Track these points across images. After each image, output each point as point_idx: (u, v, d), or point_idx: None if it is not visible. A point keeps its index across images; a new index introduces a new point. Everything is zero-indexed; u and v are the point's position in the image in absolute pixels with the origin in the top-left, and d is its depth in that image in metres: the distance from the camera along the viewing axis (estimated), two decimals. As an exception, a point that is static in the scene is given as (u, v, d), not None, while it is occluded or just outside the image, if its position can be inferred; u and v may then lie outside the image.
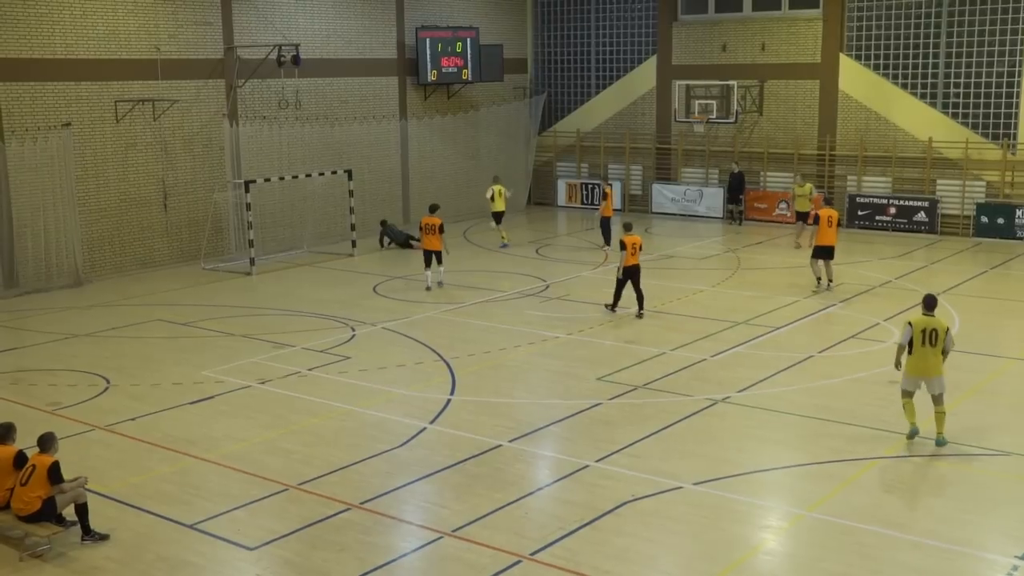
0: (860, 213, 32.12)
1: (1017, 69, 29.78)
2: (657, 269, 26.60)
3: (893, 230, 31.47)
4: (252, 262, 26.59)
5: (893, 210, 31.57)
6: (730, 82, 33.05)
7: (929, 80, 31.17)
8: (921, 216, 31.22)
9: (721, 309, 21.82)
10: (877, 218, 31.81)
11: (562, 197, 37.37)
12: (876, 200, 31.87)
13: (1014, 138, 29.97)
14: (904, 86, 31.54)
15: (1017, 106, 29.93)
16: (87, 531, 11.36)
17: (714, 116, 33.35)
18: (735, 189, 33.83)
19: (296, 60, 28.40)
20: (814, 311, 21.50)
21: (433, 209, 24.61)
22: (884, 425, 14.64)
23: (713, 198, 34.78)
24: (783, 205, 33.44)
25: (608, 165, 37.36)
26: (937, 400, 13.86)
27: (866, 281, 24.47)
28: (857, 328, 20.06)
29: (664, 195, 35.80)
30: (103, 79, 25.83)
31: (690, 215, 35.08)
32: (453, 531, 11.50)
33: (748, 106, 33.74)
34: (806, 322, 20.76)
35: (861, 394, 16.09)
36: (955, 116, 30.83)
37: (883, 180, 32.05)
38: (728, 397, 16.03)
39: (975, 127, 30.55)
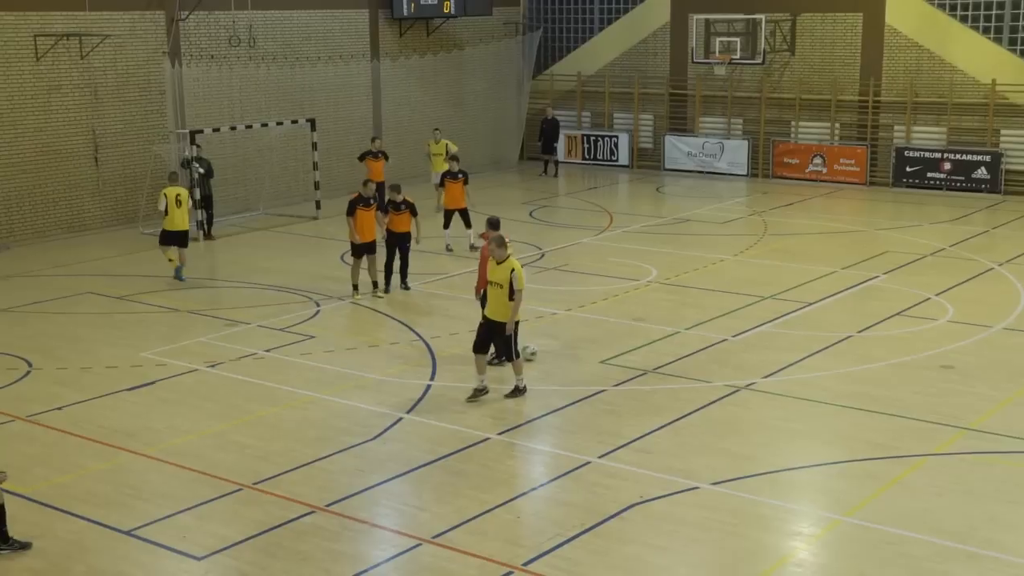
0: (909, 170, 32.13)
1: (1093, 1, 29.80)
2: (671, 235, 26.65)
3: (948, 189, 31.49)
4: (200, 226, 26.52)
5: (948, 166, 31.59)
6: (757, 16, 32.99)
7: (993, 11, 31.11)
8: (981, 173, 31.24)
9: (744, 281, 21.85)
10: (929, 175, 31.83)
11: (561, 151, 37.31)
12: (928, 154, 31.88)
13: (1089, 82, 30.02)
14: (963, 19, 31.50)
15: (1093, 45, 29.99)
16: (5, 539, 11.32)
17: (738, 56, 33.30)
18: (549, 137, 35.44)
19: (249, -12, 28.27)
20: (853, 284, 21.55)
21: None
22: (935, 417, 14.69)
23: (736, 152, 34.78)
24: (817, 160, 33.46)
25: (614, 114, 37.32)
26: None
27: (915, 249, 24.52)
28: (904, 304, 20.11)
29: (679, 149, 35.78)
30: (19, 9, 25.64)
31: (709, 172, 35.07)
32: (434, 537, 11.53)
33: (778, 44, 33.67)
34: (844, 296, 20.80)
35: (908, 380, 16.13)
36: None
37: (937, 131, 32.04)
38: (752, 383, 16.08)
39: (1046, 68, 30.59)
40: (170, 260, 22.64)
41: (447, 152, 29.04)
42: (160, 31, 28.13)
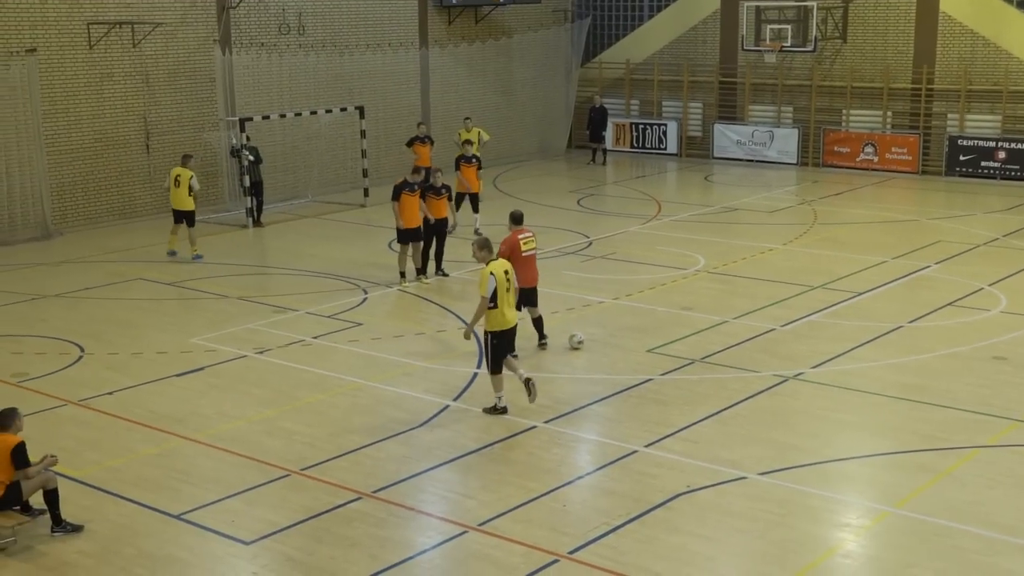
0: (962, 159, 31.79)
1: None
2: (719, 224, 26.51)
3: (1002, 178, 31.13)
4: (249, 213, 26.70)
5: (1002, 155, 31.22)
6: (808, 3, 32.68)
7: (1048, -1, 30.68)
8: (1036, 162, 30.89)
9: (793, 271, 21.71)
10: (983, 164, 31.47)
11: (609, 139, 37.18)
12: (982, 143, 31.51)
13: None
14: (1020, 4, 31.05)
15: None
16: (58, 522, 11.48)
17: (788, 44, 33.02)
18: (597, 125, 35.40)
19: (299, -23, 28.40)
20: (904, 274, 21.36)
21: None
22: (987, 408, 14.54)
23: (786, 140, 34.56)
24: (869, 149, 33.17)
25: (662, 102, 37.16)
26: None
27: (968, 239, 24.26)
28: (956, 294, 19.91)
29: (728, 137, 35.60)
30: (74, -2, 25.95)
31: (758, 160, 34.87)
32: (480, 525, 11.56)
33: (829, 31, 33.37)
34: (895, 286, 20.62)
35: (959, 372, 15.98)
36: (1078, 43, 30.40)
37: (991, 119, 31.66)
38: (801, 374, 15.98)
39: (1102, 55, 30.13)
40: (169, 242, 23.61)
41: (479, 140, 29.10)
42: (211, 19, 28.30)
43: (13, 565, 10.98)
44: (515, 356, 14.92)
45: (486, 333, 14.55)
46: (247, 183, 26.46)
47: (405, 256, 21.00)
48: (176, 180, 23.03)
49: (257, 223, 26.76)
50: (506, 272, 14.52)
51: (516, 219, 16.91)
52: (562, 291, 20.30)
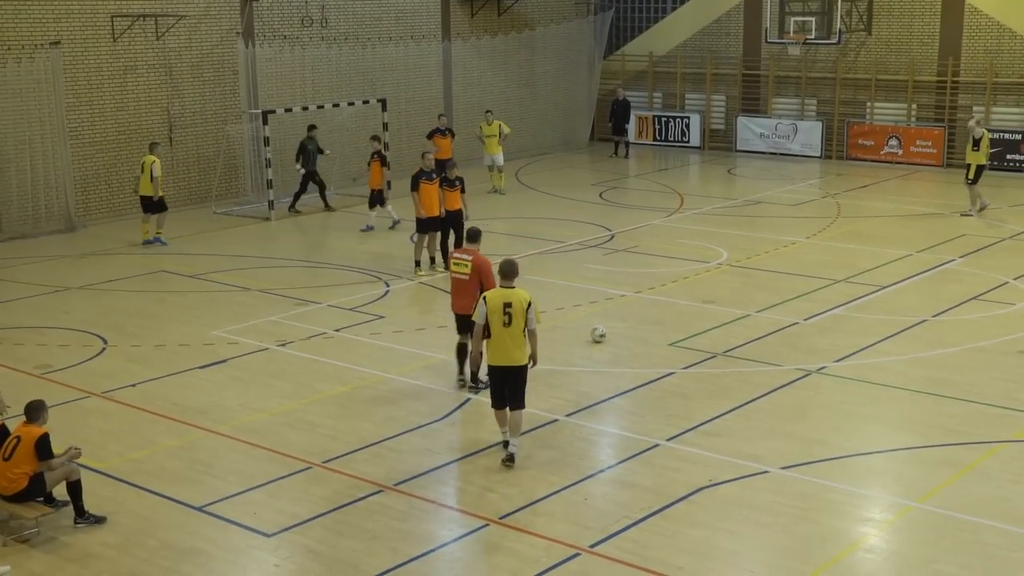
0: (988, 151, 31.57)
1: None
2: (742, 217, 26.43)
3: (1026, 172, 30.98)
4: (271, 206, 26.76)
5: (1027, 148, 31.06)
6: (833, -5, 32.61)
7: (1075, -9, 30.46)
8: (1061, 155, 30.74)
9: (817, 264, 21.63)
10: (1009, 157, 31.29)
11: (632, 131, 37.10)
12: (1008, 136, 31.32)
13: None
14: (1044, -2, 30.88)
15: None
16: (81, 513, 11.54)
17: (813, 36, 32.89)
18: (620, 118, 35.24)
19: (321, -31, 28.45)
20: (928, 267, 21.25)
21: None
22: (1012, 403, 14.46)
23: (810, 133, 34.45)
24: (893, 142, 33.01)
25: (685, 95, 37.06)
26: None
27: (993, 232, 24.12)
28: (980, 288, 19.79)
29: (751, 130, 35.50)
30: (98, -10, 26.04)
31: (782, 153, 34.75)
32: (501, 518, 11.56)
33: (854, 23, 33.21)
34: (919, 280, 20.52)
35: (984, 366, 15.90)
36: (1104, 35, 30.20)
37: (1017, 112, 31.49)
38: (824, 367, 15.92)
39: None
40: (145, 233, 24.05)
41: (500, 133, 29.11)
42: (234, 12, 28.36)
43: (37, 556, 11.04)
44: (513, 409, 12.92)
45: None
46: (269, 175, 26.57)
47: (422, 246, 21.14)
48: (142, 167, 23.68)
49: (328, 207, 27.50)
50: (508, 304, 12.60)
51: (468, 236, 15.32)
52: (584, 284, 20.30)
